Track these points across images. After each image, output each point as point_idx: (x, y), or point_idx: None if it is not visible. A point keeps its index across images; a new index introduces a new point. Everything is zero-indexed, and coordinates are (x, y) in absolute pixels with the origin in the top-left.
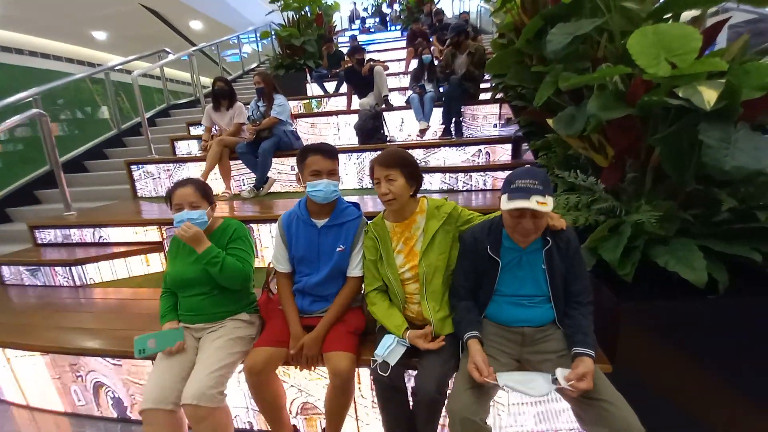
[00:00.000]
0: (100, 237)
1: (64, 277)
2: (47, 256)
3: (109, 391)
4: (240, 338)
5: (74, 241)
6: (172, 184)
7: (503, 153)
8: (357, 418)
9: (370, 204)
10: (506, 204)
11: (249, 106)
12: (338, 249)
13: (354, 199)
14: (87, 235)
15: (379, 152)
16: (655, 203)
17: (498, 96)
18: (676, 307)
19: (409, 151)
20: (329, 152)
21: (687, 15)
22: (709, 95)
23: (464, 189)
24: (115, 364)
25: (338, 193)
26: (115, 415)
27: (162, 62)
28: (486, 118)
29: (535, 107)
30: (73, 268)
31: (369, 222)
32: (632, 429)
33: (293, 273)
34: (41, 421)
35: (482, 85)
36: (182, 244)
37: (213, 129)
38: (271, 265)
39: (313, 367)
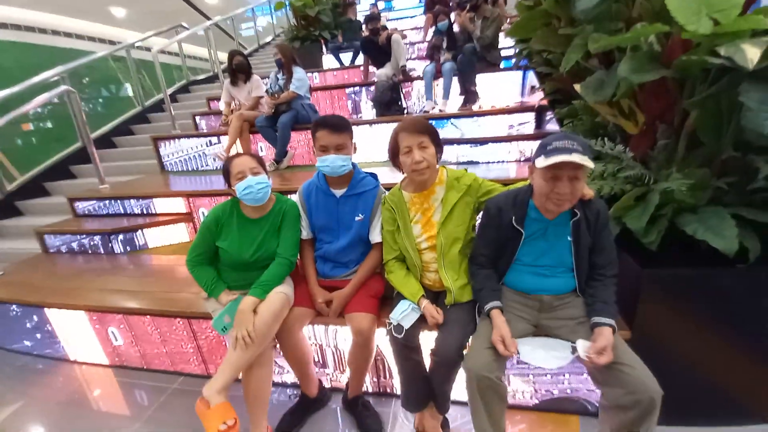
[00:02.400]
0: (133, 208)
1: (102, 245)
2: (86, 226)
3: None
4: (286, 292)
5: (109, 213)
6: (226, 159)
7: None
8: (377, 374)
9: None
10: (543, 162)
11: (268, 79)
12: (357, 218)
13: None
14: (121, 206)
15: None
16: (688, 171)
17: (522, 63)
18: (702, 275)
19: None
20: (336, 126)
21: None
22: (752, 53)
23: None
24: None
25: (347, 168)
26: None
27: (179, 37)
28: None
29: (562, 73)
30: (110, 236)
31: (385, 193)
32: (649, 390)
33: (314, 240)
34: (93, 376)
35: (505, 53)
36: (230, 224)
37: (232, 103)
38: None
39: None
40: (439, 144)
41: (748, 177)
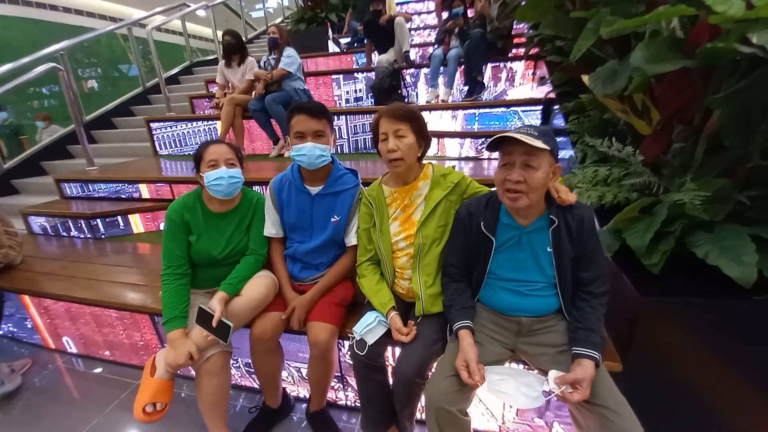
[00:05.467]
0: (118, 192)
1: (80, 229)
2: (71, 208)
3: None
4: (272, 276)
5: (95, 195)
6: (201, 143)
7: None
8: (344, 387)
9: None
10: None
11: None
12: (333, 220)
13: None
14: (106, 189)
15: None
16: (705, 180)
17: (532, 51)
18: (710, 305)
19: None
20: (314, 111)
21: None
22: None
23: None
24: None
25: (325, 159)
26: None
27: (176, 15)
28: None
29: (572, 62)
30: (90, 220)
31: (364, 188)
32: None
33: (285, 238)
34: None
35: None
36: (196, 218)
37: (227, 87)
38: None
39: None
40: (423, 135)
41: None
